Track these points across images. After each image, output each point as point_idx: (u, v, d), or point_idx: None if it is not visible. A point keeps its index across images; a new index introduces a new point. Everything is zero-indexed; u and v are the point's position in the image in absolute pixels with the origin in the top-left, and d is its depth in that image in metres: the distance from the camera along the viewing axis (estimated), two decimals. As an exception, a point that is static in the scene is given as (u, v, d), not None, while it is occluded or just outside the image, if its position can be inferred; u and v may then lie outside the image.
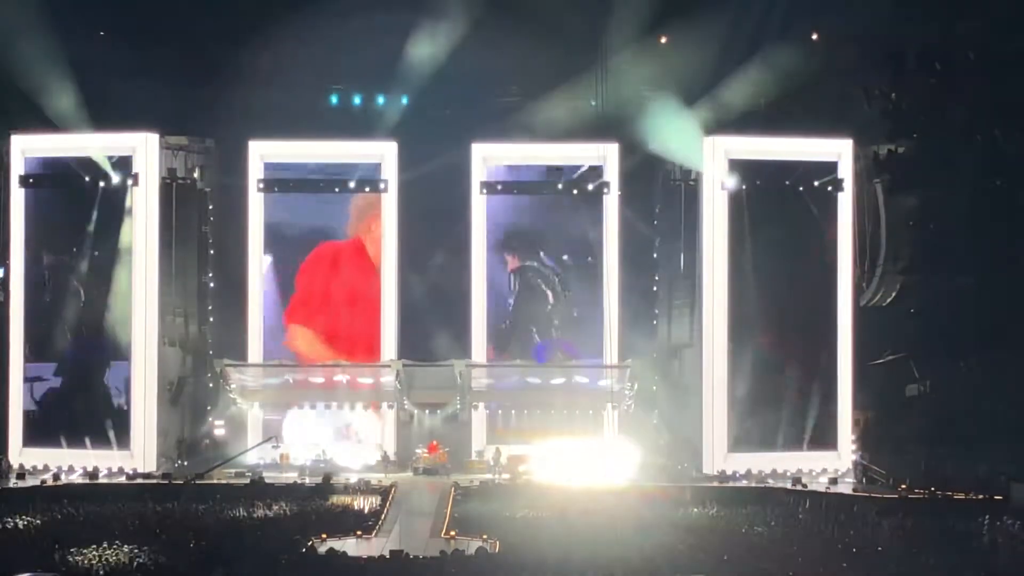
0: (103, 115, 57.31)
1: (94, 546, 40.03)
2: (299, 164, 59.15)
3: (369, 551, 40.92)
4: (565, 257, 59.65)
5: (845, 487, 54.34)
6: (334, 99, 61.36)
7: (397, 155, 58.44)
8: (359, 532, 43.79)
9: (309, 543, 41.03)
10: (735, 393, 56.25)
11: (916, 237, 58.24)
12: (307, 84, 60.48)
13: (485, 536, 42.26)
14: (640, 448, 56.04)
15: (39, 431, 56.85)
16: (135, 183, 56.91)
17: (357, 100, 61.38)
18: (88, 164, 57.02)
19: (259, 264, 58.64)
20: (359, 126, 60.02)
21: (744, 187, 56.79)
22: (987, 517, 45.70)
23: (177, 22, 58.67)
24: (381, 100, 61.25)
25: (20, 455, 56.54)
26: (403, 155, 58.45)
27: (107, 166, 56.70)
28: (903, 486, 52.91)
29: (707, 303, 56.94)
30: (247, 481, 53.31)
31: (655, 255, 59.45)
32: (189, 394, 59.34)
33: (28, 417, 56.98)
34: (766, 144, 57.41)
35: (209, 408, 59.01)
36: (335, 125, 60.00)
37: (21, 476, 55.16)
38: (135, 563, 38.60)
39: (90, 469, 55.45)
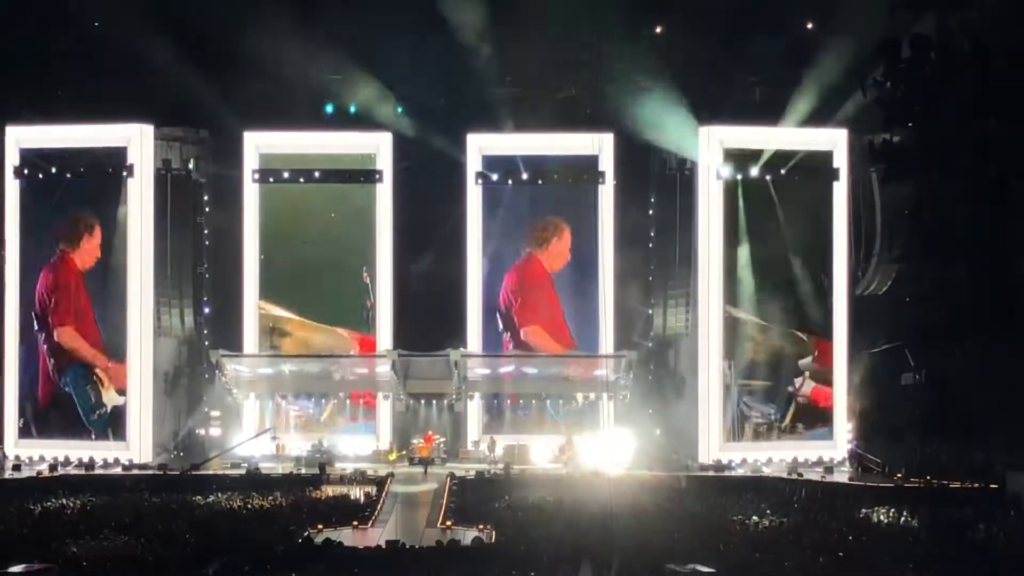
0: (98, 106, 57.22)
1: (89, 537, 39.99)
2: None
3: (365, 541, 40.93)
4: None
5: (841, 476, 54.41)
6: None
7: (392, 146, 58.43)
8: (355, 522, 43.78)
9: (305, 534, 40.99)
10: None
11: (911, 226, 58.26)
12: (302, 75, 60.36)
13: (481, 526, 42.29)
14: (636, 437, 56.08)
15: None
16: (130, 174, 56.91)
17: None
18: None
19: (255, 254, 58.59)
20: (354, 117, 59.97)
21: (739, 176, 56.87)
22: (983, 506, 45.78)
23: (171, 12, 58.50)
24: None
25: (15, 446, 56.60)
26: (398, 146, 58.47)
27: None
28: (899, 475, 52.96)
29: (702, 292, 56.98)
30: (243, 472, 53.32)
31: (651, 245, 59.47)
32: (185, 385, 59.37)
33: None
34: (761, 133, 57.44)
35: (205, 399, 59.04)
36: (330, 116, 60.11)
37: (17, 467, 55.15)
38: (131, 555, 38.55)
39: (86, 460, 55.45)
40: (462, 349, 56.95)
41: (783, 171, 57.17)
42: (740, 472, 54.89)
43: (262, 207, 58.66)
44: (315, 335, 58.94)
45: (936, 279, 57.63)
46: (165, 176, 58.06)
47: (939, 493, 49.77)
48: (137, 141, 57.06)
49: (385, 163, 58.46)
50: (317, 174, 58.73)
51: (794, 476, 53.14)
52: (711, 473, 54.31)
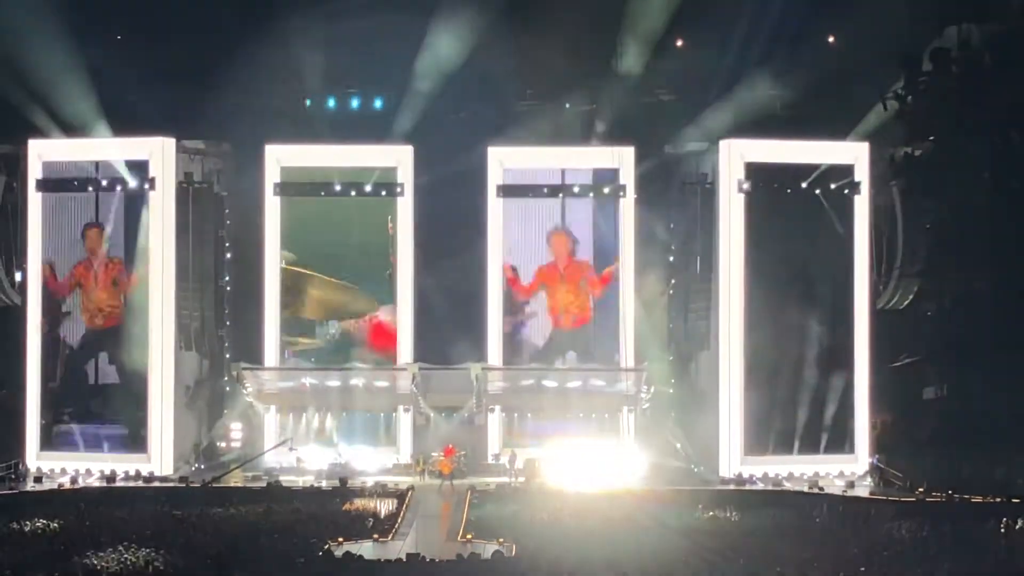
0: (120, 120, 57.41)
1: (110, 549, 40.06)
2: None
3: (385, 554, 40.95)
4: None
5: (862, 490, 54.25)
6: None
7: (413, 159, 58.44)
8: (376, 535, 43.80)
9: (326, 546, 41.03)
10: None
11: (933, 240, 58.15)
12: (323, 88, 60.58)
13: (501, 540, 42.23)
14: (656, 451, 56.00)
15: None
16: (152, 187, 57.04)
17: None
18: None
19: (276, 267, 58.65)
20: (376, 130, 60.00)
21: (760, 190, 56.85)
22: (1005, 520, 45.62)
23: (193, 27, 58.72)
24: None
25: (37, 459, 56.71)
26: (419, 159, 58.48)
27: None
28: (920, 489, 52.79)
29: (723, 306, 56.89)
30: (264, 484, 53.38)
31: (671, 258, 59.40)
32: (206, 397, 59.45)
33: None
34: (783, 147, 57.38)
35: (226, 411, 59.14)
36: (352, 129, 60.13)
37: (38, 480, 55.25)
38: (151, 566, 38.63)
39: (107, 472, 55.55)
40: (483, 362, 56.95)
41: (804, 184, 57.05)
42: (761, 486, 54.76)
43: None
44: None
45: (958, 293, 57.58)
46: (187, 189, 58.14)
47: (961, 507, 49.61)
48: (159, 154, 57.14)
49: (407, 176, 58.44)
50: (338, 187, 58.69)
51: (815, 490, 53.02)
52: (732, 487, 54.17)
